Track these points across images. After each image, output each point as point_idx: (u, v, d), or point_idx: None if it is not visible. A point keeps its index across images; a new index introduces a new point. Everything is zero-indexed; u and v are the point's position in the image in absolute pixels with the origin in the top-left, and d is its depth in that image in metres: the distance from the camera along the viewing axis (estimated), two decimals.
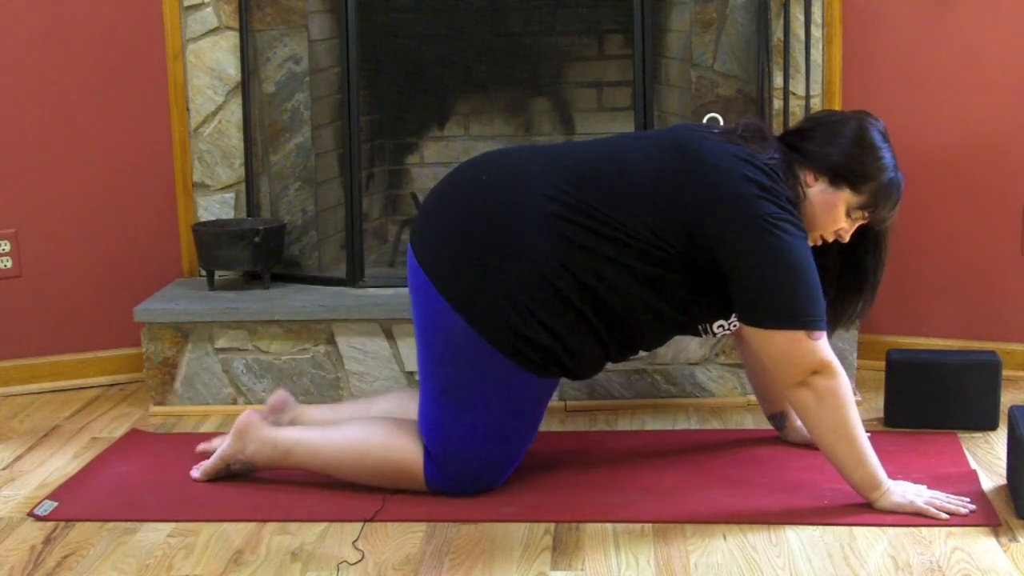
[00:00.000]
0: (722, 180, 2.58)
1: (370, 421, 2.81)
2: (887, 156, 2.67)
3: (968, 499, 2.63)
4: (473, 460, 2.70)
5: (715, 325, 2.71)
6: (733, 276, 2.58)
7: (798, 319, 2.55)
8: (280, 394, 2.98)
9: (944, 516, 2.57)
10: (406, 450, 2.73)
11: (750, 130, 2.70)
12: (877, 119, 2.71)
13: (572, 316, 2.62)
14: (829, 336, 2.67)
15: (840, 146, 2.66)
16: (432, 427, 2.70)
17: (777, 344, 2.57)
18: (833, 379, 2.57)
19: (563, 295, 2.60)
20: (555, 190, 2.63)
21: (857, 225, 2.71)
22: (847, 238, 2.72)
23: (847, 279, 2.81)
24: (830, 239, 2.72)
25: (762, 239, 2.54)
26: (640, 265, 2.60)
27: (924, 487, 2.66)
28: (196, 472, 2.89)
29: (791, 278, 2.55)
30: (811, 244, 2.65)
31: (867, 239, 2.76)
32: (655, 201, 2.60)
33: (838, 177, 2.65)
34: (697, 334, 2.75)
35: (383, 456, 2.73)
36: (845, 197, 2.66)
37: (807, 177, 2.67)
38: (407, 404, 2.93)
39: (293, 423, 2.95)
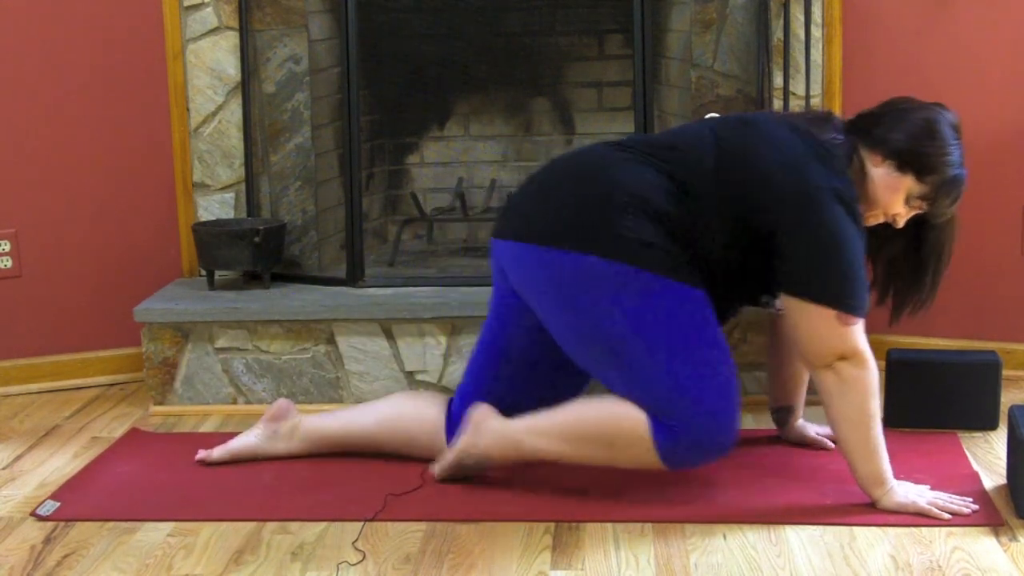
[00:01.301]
0: (782, 155, 2.61)
1: (586, 401, 2.72)
2: (955, 152, 2.66)
3: (971, 499, 2.63)
4: (696, 404, 2.57)
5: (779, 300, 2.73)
6: (784, 246, 2.58)
7: (839, 299, 2.55)
8: (280, 403, 2.99)
9: (947, 516, 2.57)
10: (626, 417, 2.61)
11: (814, 113, 2.75)
12: (951, 111, 2.71)
13: (686, 238, 2.61)
14: (889, 324, 2.74)
15: (910, 133, 2.65)
16: (641, 396, 2.60)
17: (813, 321, 2.57)
18: (861, 368, 2.57)
19: (676, 220, 2.60)
20: (632, 156, 2.68)
21: (912, 214, 2.69)
22: (900, 224, 2.70)
23: (908, 269, 2.80)
24: (884, 220, 2.70)
25: (817, 214, 2.55)
26: (715, 220, 2.62)
27: (927, 487, 2.66)
28: (435, 468, 2.83)
29: (839, 258, 2.55)
30: (865, 224, 2.65)
31: (929, 231, 2.75)
32: (718, 173, 2.62)
33: (905, 164, 2.65)
34: (762, 305, 2.78)
35: (604, 430, 2.63)
36: (908, 184, 2.65)
37: (873, 159, 2.67)
38: (407, 406, 2.93)
39: (293, 431, 2.96)
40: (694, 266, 2.62)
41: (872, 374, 2.59)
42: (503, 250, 2.75)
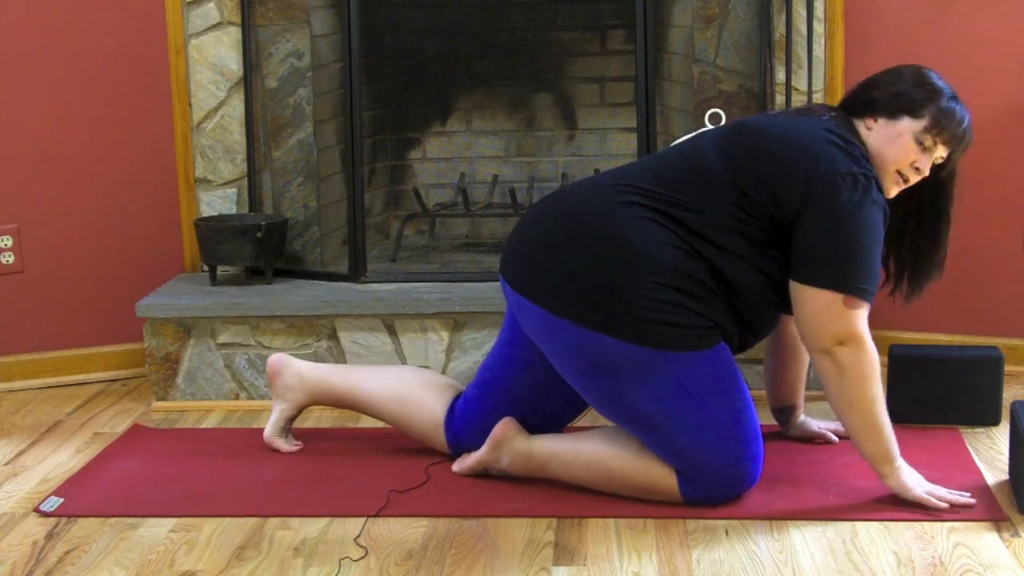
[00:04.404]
0: (800, 143, 2.58)
1: (615, 436, 2.70)
2: (943, 84, 2.66)
3: (968, 493, 2.63)
4: (721, 467, 2.61)
5: None
6: (800, 228, 2.56)
7: (846, 283, 2.52)
8: (272, 360, 3.01)
9: (944, 506, 2.58)
10: (654, 469, 2.65)
11: (800, 106, 2.75)
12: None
13: (707, 293, 2.58)
14: (913, 297, 2.77)
15: (894, 83, 2.67)
16: (666, 457, 2.63)
17: (817, 303, 2.54)
18: (859, 353, 2.55)
19: (694, 278, 2.57)
20: (640, 193, 2.62)
21: (935, 157, 2.65)
22: (927, 170, 2.66)
23: (919, 239, 2.77)
24: (910, 175, 2.66)
25: (838, 197, 2.53)
26: (737, 238, 2.58)
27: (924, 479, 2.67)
28: (456, 467, 2.87)
29: (854, 242, 2.53)
30: (894, 186, 2.64)
31: (928, 196, 2.73)
32: (732, 179, 2.58)
33: (895, 110, 2.64)
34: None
35: (631, 475, 2.67)
36: (907, 125, 2.63)
37: (866, 124, 2.66)
38: (416, 392, 2.93)
39: (301, 382, 2.98)
40: (713, 316, 2.59)
41: (870, 358, 2.56)
42: (513, 297, 2.71)
